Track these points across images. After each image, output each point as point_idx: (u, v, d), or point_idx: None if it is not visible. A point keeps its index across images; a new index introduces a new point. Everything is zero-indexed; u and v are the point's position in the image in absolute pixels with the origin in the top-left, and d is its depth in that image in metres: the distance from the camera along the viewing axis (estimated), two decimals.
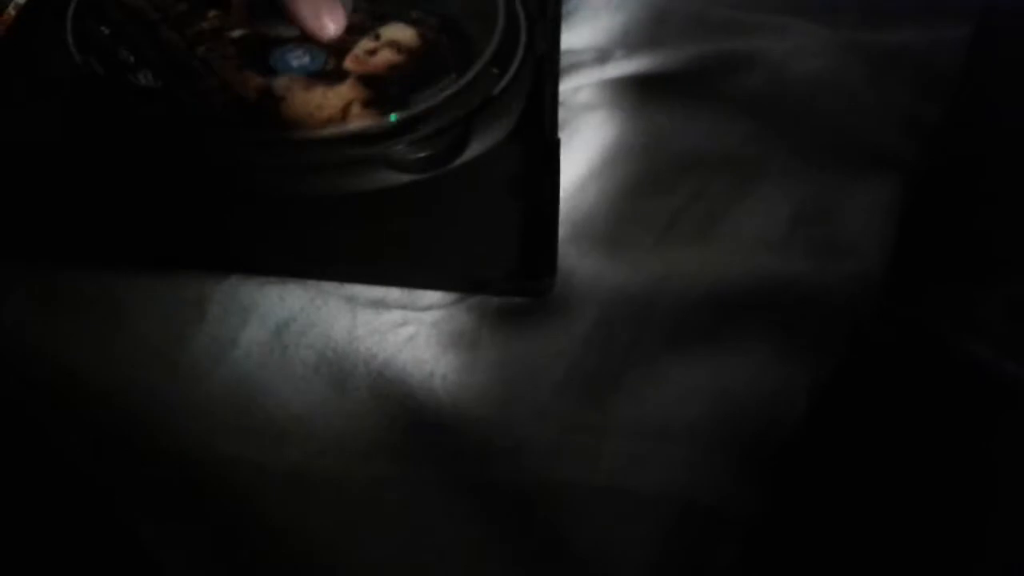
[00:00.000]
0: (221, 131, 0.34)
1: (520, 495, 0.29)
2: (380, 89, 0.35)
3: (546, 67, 0.37)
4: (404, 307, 0.32)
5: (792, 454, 0.30)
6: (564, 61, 0.39)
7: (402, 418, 0.30)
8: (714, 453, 0.30)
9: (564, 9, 0.42)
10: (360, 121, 0.34)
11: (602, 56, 0.40)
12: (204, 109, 0.35)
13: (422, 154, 0.34)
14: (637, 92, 0.40)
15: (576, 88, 0.39)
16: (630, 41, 0.41)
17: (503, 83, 0.36)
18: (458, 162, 0.34)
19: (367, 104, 0.35)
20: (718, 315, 0.33)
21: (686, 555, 0.29)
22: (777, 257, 0.35)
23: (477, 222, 0.33)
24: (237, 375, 0.31)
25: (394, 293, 0.33)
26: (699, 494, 0.29)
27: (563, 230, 0.34)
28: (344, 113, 0.35)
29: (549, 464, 0.29)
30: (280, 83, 0.36)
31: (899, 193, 0.37)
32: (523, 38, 0.38)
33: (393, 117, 0.34)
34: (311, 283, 0.33)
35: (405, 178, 0.34)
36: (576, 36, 0.41)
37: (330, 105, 0.35)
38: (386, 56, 0.37)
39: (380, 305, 0.32)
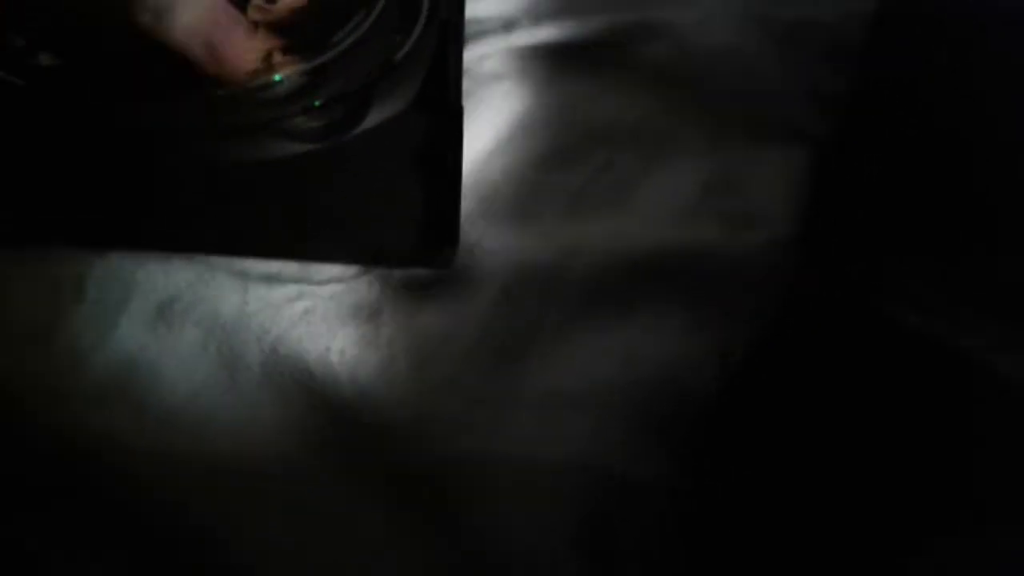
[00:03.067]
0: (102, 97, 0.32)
1: (425, 471, 0.28)
2: (293, 35, 0.34)
3: (450, 32, 0.36)
4: (299, 281, 0.31)
5: (705, 421, 0.30)
6: (469, 30, 0.38)
7: (298, 396, 0.29)
8: (625, 421, 0.29)
9: None
10: (285, 69, 0.32)
11: (508, 25, 0.40)
12: (103, 80, 0.33)
13: (320, 123, 0.33)
14: (544, 62, 0.39)
15: (481, 57, 0.38)
16: (537, 10, 0.40)
17: (405, 48, 0.35)
18: (358, 131, 0.33)
19: (286, 51, 0.33)
20: (628, 285, 0.33)
21: (601, 523, 0.28)
22: (687, 227, 0.34)
23: (377, 193, 0.32)
24: (118, 358, 0.29)
25: (289, 267, 0.31)
26: (611, 462, 0.29)
27: (469, 203, 0.33)
28: (267, 64, 0.33)
29: (455, 438, 0.28)
30: None
31: (805, 163, 0.37)
32: (426, 2, 0.36)
33: (278, 78, 0.33)
34: (199, 258, 0.31)
35: (302, 147, 0.32)
36: (482, 4, 0.40)
37: (250, 59, 0.33)
38: (287, 1, 0.35)
39: (273, 279, 0.31)
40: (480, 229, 0.33)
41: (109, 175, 0.32)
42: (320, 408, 0.29)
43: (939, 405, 0.26)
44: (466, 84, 0.36)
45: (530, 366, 0.30)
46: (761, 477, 0.29)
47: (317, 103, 0.33)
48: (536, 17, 0.40)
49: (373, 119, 0.33)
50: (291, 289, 0.31)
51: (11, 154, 0.32)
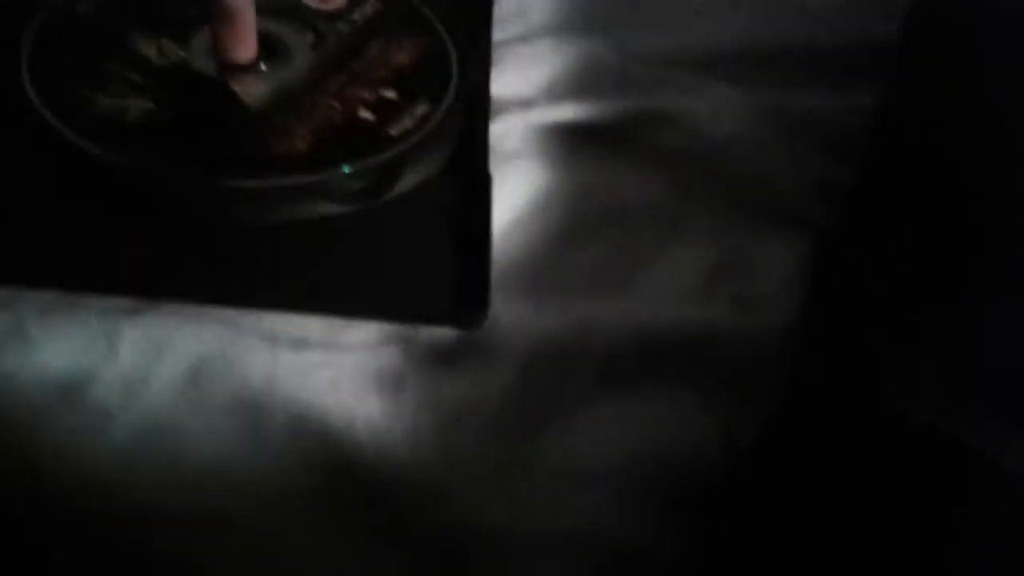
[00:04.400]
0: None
1: (443, 540, 0.28)
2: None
3: (477, 103, 0.37)
4: (326, 347, 0.32)
5: (713, 500, 0.30)
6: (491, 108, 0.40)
7: (322, 463, 0.29)
8: (638, 498, 0.30)
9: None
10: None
11: (527, 105, 0.41)
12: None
13: (357, 186, 0.34)
14: (561, 142, 0.40)
15: (501, 136, 0.40)
16: (555, 92, 0.42)
17: (436, 118, 0.36)
18: (391, 195, 0.34)
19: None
20: (641, 363, 0.33)
21: None
22: (697, 307, 0.36)
23: (409, 255, 0.33)
24: (148, 416, 0.30)
25: (316, 332, 0.32)
26: (624, 537, 0.29)
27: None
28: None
29: (472, 509, 0.29)
30: None
31: (810, 251, 0.38)
32: (454, 75, 0.38)
33: (346, 169, 0.34)
34: (230, 320, 0.32)
35: (338, 209, 0.34)
36: (502, 85, 0.41)
37: None
38: None
39: (301, 344, 0.32)
40: (499, 303, 0.34)
41: (144, 231, 0.32)
42: (343, 475, 0.29)
43: (941, 498, 0.27)
44: None
45: (547, 439, 0.31)
46: (767, 556, 0.30)
47: (347, 168, 0.34)
48: (554, 98, 0.42)
49: (405, 184, 0.35)
50: (319, 355, 0.31)
51: (47, 209, 0.33)
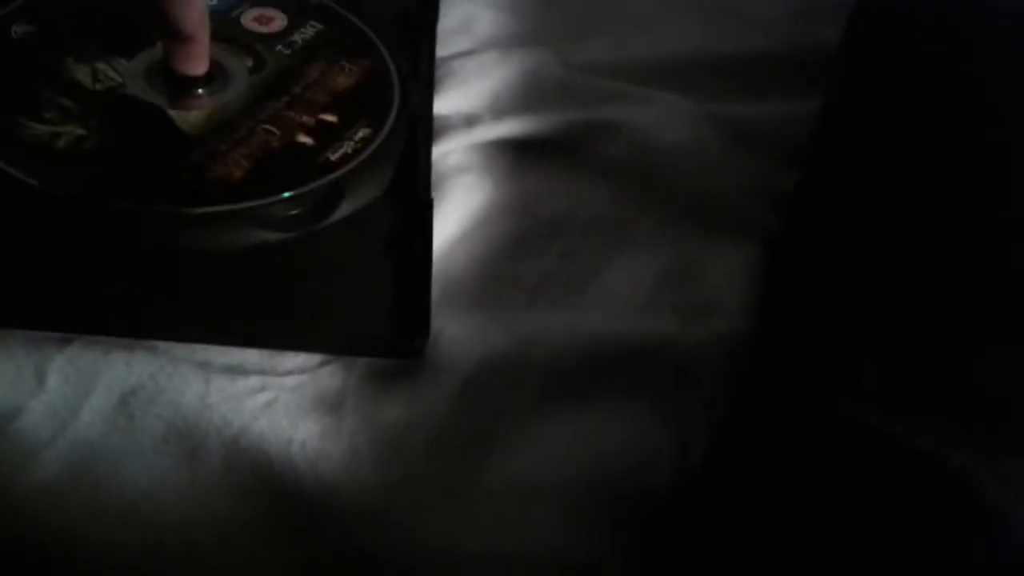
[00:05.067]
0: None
1: (385, 564, 0.28)
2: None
3: (419, 127, 0.37)
4: (263, 372, 0.31)
5: (665, 513, 0.30)
6: (434, 125, 0.39)
7: (259, 490, 0.29)
8: (586, 514, 0.29)
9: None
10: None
11: (471, 121, 0.41)
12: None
13: (292, 212, 0.33)
14: (506, 156, 0.40)
15: (445, 152, 0.39)
16: (499, 107, 0.42)
17: (376, 142, 0.36)
18: (329, 220, 0.34)
19: None
20: (588, 376, 0.33)
21: None
22: (645, 318, 0.35)
23: (348, 282, 0.33)
24: (79, 448, 0.29)
25: (252, 358, 0.31)
26: (571, 555, 0.29)
27: (432, 293, 0.34)
28: None
29: (415, 530, 0.28)
30: None
31: (759, 257, 0.38)
32: (396, 97, 0.38)
33: (285, 195, 0.33)
34: (161, 348, 0.31)
35: (273, 236, 0.33)
36: (445, 102, 0.41)
37: None
38: None
39: (236, 371, 0.31)
40: (443, 318, 0.34)
41: (72, 261, 0.32)
42: (281, 499, 0.29)
43: (893, 503, 0.27)
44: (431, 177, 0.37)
45: (492, 457, 0.30)
46: (721, 568, 0.30)
47: (287, 194, 0.33)
48: (498, 113, 0.42)
49: (345, 210, 0.34)
50: (254, 381, 0.31)
51: None
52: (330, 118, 0.37)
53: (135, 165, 0.34)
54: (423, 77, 0.39)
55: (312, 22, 0.40)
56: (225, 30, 0.39)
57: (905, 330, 0.31)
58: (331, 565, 0.28)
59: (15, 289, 0.31)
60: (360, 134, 0.36)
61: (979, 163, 0.35)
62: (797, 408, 0.30)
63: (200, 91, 0.36)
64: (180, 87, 0.36)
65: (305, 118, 0.36)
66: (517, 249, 0.37)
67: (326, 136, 0.36)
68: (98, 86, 0.36)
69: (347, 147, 0.35)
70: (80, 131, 0.34)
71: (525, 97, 0.42)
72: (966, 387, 0.29)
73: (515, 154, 0.40)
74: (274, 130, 0.36)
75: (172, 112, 0.36)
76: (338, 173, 0.34)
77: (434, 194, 0.37)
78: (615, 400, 0.33)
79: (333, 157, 0.35)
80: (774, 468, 0.30)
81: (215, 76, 0.37)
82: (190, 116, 0.36)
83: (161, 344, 0.31)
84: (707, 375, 0.34)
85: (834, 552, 0.27)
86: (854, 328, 0.32)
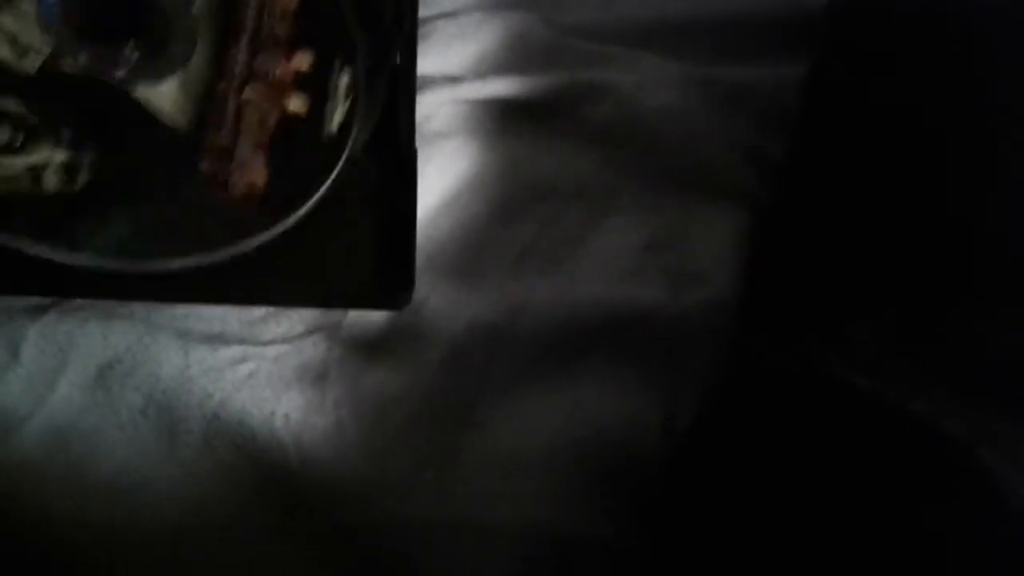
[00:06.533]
0: None
1: (370, 536, 0.28)
2: None
3: (402, 81, 0.36)
4: (243, 342, 0.30)
5: (652, 480, 0.30)
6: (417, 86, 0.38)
7: (241, 463, 0.28)
8: (571, 483, 0.29)
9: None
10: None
11: (454, 83, 0.40)
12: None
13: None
14: (490, 120, 0.39)
15: (428, 115, 0.39)
16: (483, 69, 0.41)
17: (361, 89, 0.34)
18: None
19: None
20: (574, 344, 0.33)
21: None
22: (631, 285, 0.35)
23: (332, 237, 0.32)
24: (56, 423, 0.28)
25: (233, 327, 0.31)
26: (557, 525, 0.29)
27: (416, 259, 0.33)
28: None
29: (401, 501, 0.28)
30: None
31: (748, 222, 0.38)
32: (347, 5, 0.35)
33: None
34: (139, 317, 0.30)
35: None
36: (428, 62, 0.40)
37: None
38: None
39: (217, 340, 0.30)
40: (427, 286, 0.33)
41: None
42: (263, 474, 0.28)
43: (886, 467, 0.27)
44: None
45: (477, 426, 0.30)
46: (709, 536, 0.29)
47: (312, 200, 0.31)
48: (482, 75, 0.41)
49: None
50: (235, 351, 0.30)
51: None
52: (304, 61, 0.31)
53: (157, 214, 0.29)
54: (405, 29, 0.37)
55: None
56: None
57: (900, 295, 0.31)
58: (315, 538, 0.28)
59: None
60: (343, 81, 0.31)
61: (972, 123, 0.34)
62: (788, 373, 0.30)
63: (134, 50, 0.28)
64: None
65: (280, 70, 0.30)
66: (501, 216, 0.36)
67: (311, 91, 0.31)
68: (23, 62, 0.27)
69: (340, 110, 0.31)
70: (60, 155, 0.28)
71: (509, 59, 0.41)
72: (963, 352, 0.29)
73: (499, 117, 0.39)
74: (260, 99, 0.30)
75: (140, 92, 0.28)
76: (347, 152, 0.31)
77: (417, 160, 0.36)
78: (601, 368, 0.32)
79: (333, 128, 0.31)
80: (763, 434, 0.30)
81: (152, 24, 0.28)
82: (168, 98, 0.29)
83: (139, 312, 0.30)
84: (694, 342, 0.34)
85: (824, 518, 0.27)
86: (847, 293, 0.32)
